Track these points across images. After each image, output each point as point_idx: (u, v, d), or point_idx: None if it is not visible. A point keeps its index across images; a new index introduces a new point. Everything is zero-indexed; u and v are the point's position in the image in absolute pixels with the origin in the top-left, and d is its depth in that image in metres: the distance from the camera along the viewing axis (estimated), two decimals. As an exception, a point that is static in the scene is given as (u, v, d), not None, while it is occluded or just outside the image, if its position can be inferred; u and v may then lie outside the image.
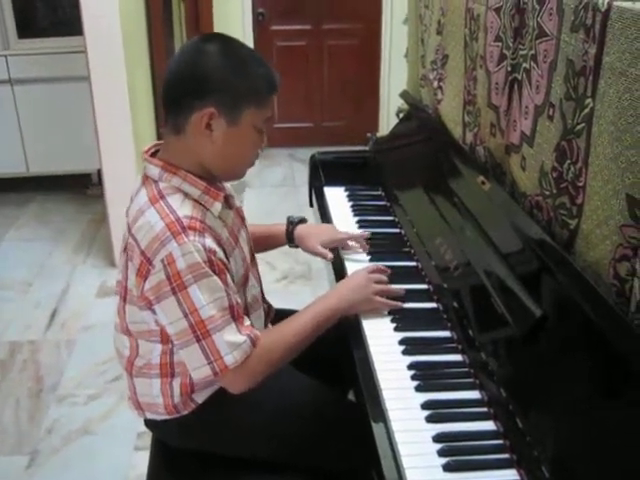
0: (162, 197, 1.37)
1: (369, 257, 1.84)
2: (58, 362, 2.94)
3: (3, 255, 3.93)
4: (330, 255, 1.80)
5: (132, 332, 1.47)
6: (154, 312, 1.37)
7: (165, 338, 1.42)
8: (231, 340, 1.35)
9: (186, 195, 1.39)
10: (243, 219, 1.62)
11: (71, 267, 3.77)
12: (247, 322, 1.42)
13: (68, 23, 4.29)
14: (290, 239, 1.84)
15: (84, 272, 3.72)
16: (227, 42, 1.42)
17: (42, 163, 4.56)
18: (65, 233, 4.17)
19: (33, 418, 2.61)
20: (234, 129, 1.39)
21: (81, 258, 3.87)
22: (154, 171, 1.41)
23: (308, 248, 1.83)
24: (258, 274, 1.68)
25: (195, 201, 1.40)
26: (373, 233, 1.97)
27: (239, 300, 1.41)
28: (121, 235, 1.47)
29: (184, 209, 1.36)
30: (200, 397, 1.49)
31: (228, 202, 1.51)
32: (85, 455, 2.42)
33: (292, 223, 1.85)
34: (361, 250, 1.87)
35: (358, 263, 1.78)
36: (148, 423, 1.62)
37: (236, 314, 1.37)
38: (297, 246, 1.86)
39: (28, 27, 4.33)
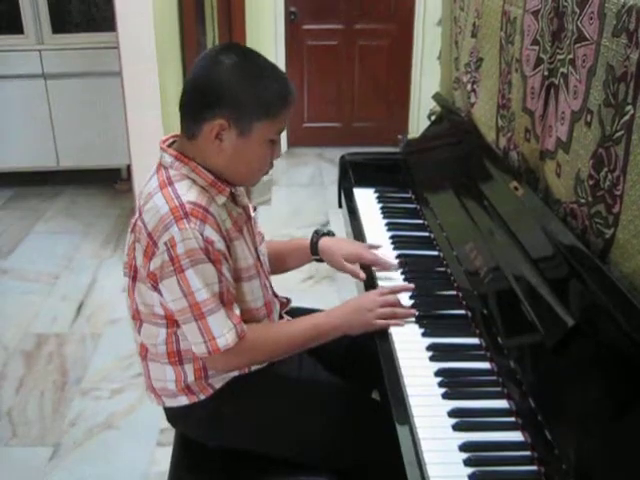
0: (170, 183, 1.43)
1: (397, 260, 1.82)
2: (83, 355, 2.97)
3: (31, 247, 3.97)
4: (362, 275, 1.75)
5: (141, 314, 1.51)
6: (159, 293, 1.43)
7: (170, 322, 1.47)
8: (222, 324, 1.41)
9: (194, 182, 1.44)
10: (249, 217, 1.61)
11: (98, 261, 3.80)
12: (237, 311, 1.46)
13: (101, 19, 4.35)
14: (314, 251, 1.81)
15: (111, 266, 3.74)
16: (243, 54, 1.45)
17: (72, 157, 4.61)
18: (93, 227, 4.20)
19: (57, 410, 2.63)
20: (244, 141, 1.43)
21: (108, 252, 3.90)
22: (168, 159, 1.47)
23: (334, 264, 1.80)
24: (265, 271, 1.66)
25: (202, 188, 1.44)
26: (402, 236, 1.95)
27: (232, 290, 1.45)
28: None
29: (190, 195, 1.41)
30: (217, 382, 1.53)
31: (235, 199, 1.55)
32: (107, 449, 2.44)
33: (317, 234, 1.83)
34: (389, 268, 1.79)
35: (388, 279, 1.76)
36: (170, 417, 1.64)
37: (226, 301, 1.43)
38: (322, 260, 1.83)
39: (62, 22, 4.39)
